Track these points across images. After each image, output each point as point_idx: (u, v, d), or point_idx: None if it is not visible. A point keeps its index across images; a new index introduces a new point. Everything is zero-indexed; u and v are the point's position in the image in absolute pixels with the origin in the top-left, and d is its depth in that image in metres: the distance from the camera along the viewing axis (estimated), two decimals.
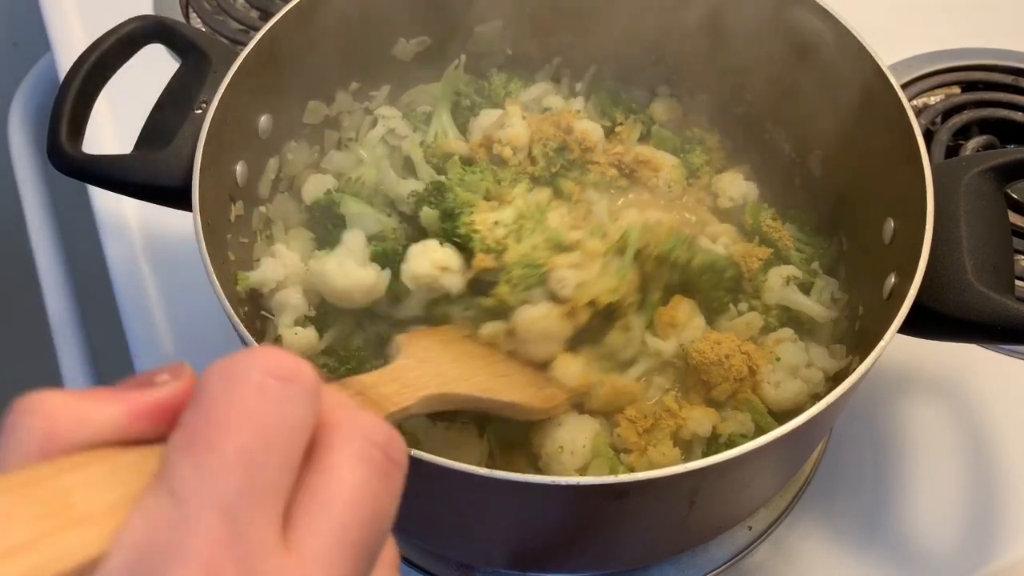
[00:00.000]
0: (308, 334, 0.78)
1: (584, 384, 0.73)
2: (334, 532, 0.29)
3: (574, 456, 0.71)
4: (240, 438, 0.28)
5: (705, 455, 0.71)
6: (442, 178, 0.80)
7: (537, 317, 0.72)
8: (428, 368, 0.61)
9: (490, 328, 0.73)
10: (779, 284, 0.80)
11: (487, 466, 0.72)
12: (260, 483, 0.28)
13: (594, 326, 0.75)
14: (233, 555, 0.27)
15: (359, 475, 0.30)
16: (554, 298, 0.74)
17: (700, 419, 0.73)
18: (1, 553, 0.25)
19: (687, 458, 0.73)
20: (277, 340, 0.77)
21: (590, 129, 0.87)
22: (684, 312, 0.77)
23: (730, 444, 0.72)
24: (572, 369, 0.73)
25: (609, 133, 0.91)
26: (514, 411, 0.67)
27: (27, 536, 0.26)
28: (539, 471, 0.72)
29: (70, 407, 0.30)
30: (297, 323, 0.78)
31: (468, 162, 0.85)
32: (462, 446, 0.72)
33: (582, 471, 0.71)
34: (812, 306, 0.80)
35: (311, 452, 0.30)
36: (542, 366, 0.73)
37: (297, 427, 0.29)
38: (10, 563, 0.25)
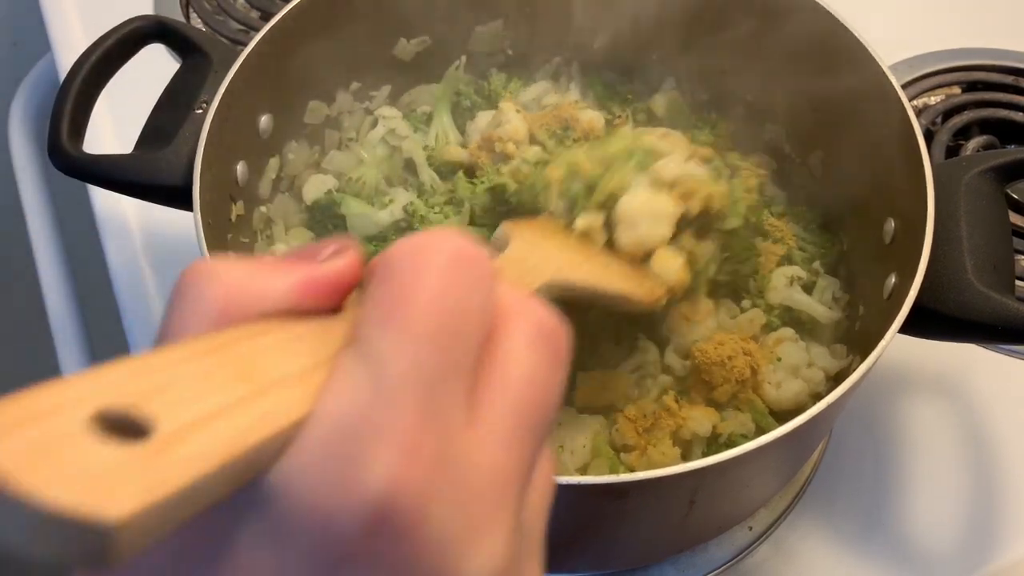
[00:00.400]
0: None
1: (681, 281, 0.69)
2: (513, 414, 0.29)
3: (574, 455, 0.71)
4: (435, 316, 0.28)
5: (705, 455, 0.71)
6: (411, 204, 0.81)
7: (645, 199, 0.69)
8: (541, 254, 0.59)
9: (586, 219, 0.69)
10: (783, 284, 0.80)
11: None
12: (454, 361, 0.28)
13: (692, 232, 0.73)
14: (432, 431, 0.27)
15: (534, 360, 0.30)
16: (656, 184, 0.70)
17: (700, 419, 0.73)
18: (205, 416, 0.24)
19: (687, 458, 0.73)
20: None
21: (594, 117, 0.87)
22: (702, 310, 0.77)
23: (730, 444, 0.72)
24: (672, 264, 0.69)
25: (609, 125, 0.91)
26: (621, 302, 0.66)
27: (228, 399, 0.25)
28: None
29: (248, 277, 0.30)
30: None
31: (471, 170, 0.85)
32: None
33: (582, 471, 0.71)
34: (816, 307, 0.80)
35: (487, 336, 0.30)
36: (639, 262, 0.70)
37: (483, 308, 0.30)
38: (215, 426, 0.24)
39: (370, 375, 0.27)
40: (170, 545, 0.26)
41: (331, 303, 0.31)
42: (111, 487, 0.21)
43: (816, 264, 0.83)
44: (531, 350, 0.30)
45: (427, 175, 0.86)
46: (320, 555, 0.25)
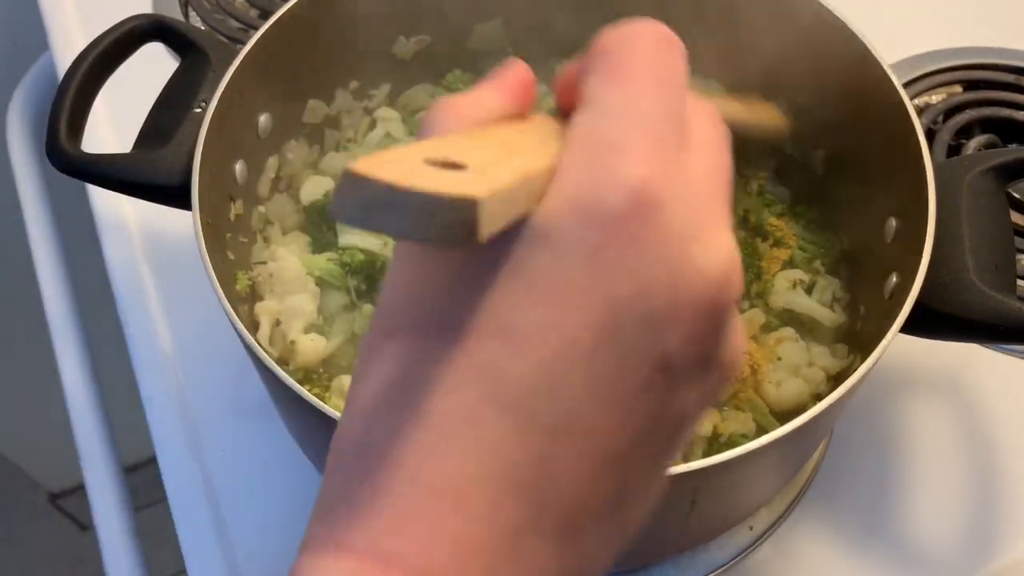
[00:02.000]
0: (318, 340, 0.77)
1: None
2: (711, 155, 0.35)
3: None
4: (654, 73, 0.34)
5: (705, 455, 0.71)
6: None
7: None
8: None
9: None
10: (786, 288, 0.80)
11: None
12: (671, 110, 0.33)
13: None
14: (662, 152, 0.32)
15: (718, 132, 0.37)
16: None
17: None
18: (494, 161, 0.31)
19: (687, 458, 0.73)
20: (293, 344, 0.76)
21: None
22: None
23: (731, 444, 0.72)
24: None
25: None
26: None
27: (501, 155, 0.32)
28: None
29: (473, 102, 0.37)
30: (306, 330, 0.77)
31: None
32: None
33: None
34: (820, 310, 0.79)
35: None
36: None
37: (684, 78, 0.36)
38: (503, 165, 0.31)
39: (606, 115, 0.33)
40: (477, 258, 0.32)
41: (527, 103, 0.40)
42: (465, 183, 0.28)
43: (817, 263, 0.83)
44: (714, 126, 0.37)
45: None
46: (586, 243, 0.31)
